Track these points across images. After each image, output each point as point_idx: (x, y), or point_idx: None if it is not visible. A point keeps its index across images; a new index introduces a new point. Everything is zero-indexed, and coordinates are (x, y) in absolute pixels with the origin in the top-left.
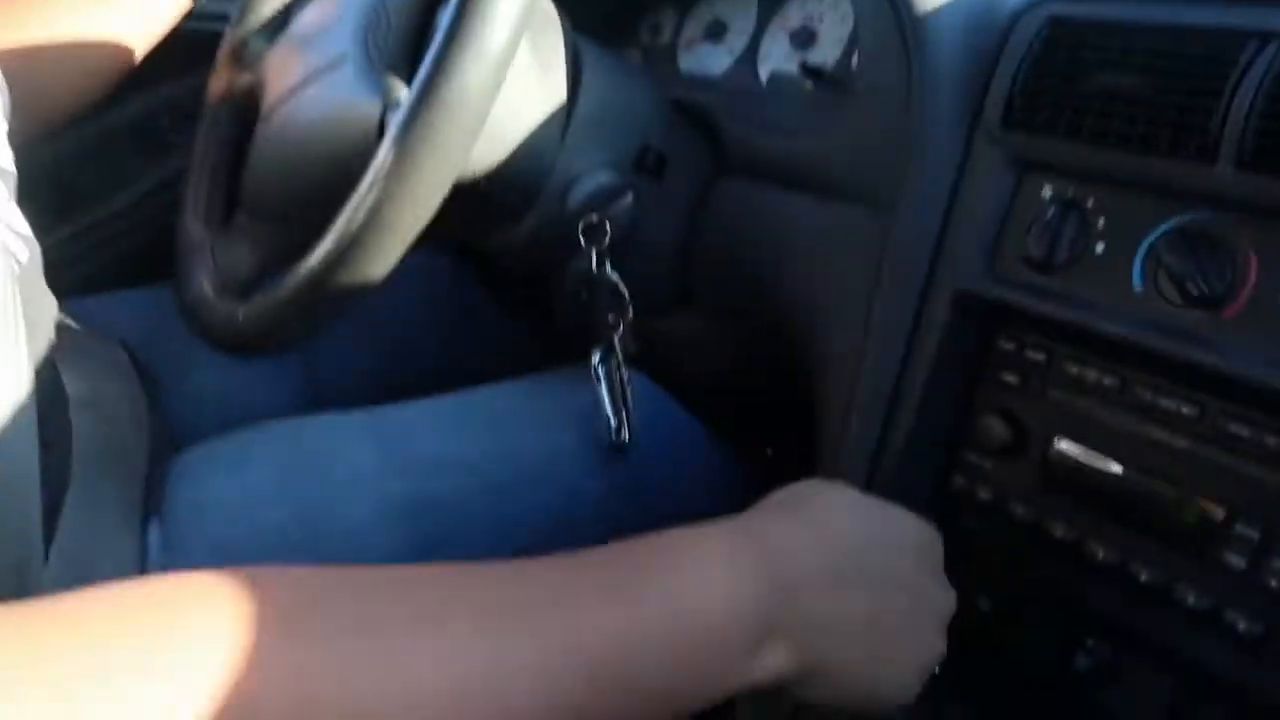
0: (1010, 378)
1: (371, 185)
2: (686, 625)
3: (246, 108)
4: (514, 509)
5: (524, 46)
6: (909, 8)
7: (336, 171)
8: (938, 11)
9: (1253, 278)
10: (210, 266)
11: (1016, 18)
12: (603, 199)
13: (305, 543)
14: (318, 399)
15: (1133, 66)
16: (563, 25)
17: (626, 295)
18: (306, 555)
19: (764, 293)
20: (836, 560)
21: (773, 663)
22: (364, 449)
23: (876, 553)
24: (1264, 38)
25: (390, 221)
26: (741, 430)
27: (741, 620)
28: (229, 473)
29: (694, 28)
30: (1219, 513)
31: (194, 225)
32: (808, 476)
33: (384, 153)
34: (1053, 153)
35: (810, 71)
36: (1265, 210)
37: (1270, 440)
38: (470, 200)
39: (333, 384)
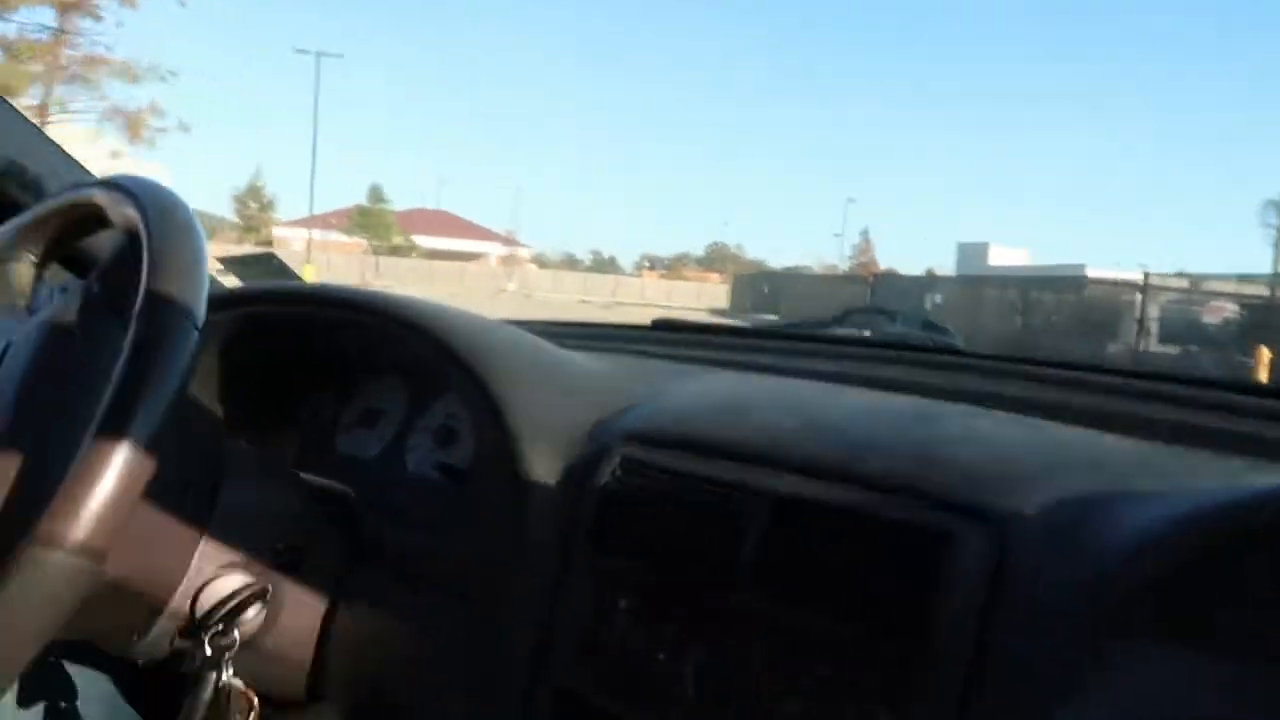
0: None
1: None
2: None
3: None
4: None
5: (166, 453)
6: (515, 442)
7: None
8: (536, 436)
9: None
10: None
11: (601, 454)
12: (234, 602)
13: None
14: None
15: (683, 515)
16: (213, 431)
17: (255, 701)
18: None
19: (387, 690)
20: None
21: None
22: None
23: None
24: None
25: None
26: None
27: None
28: None
29: (351, 414)
30: None
31: None
32: None
33: None
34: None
35: (443, 469)
36: None
37: None
38: (95, 611)
39: None
